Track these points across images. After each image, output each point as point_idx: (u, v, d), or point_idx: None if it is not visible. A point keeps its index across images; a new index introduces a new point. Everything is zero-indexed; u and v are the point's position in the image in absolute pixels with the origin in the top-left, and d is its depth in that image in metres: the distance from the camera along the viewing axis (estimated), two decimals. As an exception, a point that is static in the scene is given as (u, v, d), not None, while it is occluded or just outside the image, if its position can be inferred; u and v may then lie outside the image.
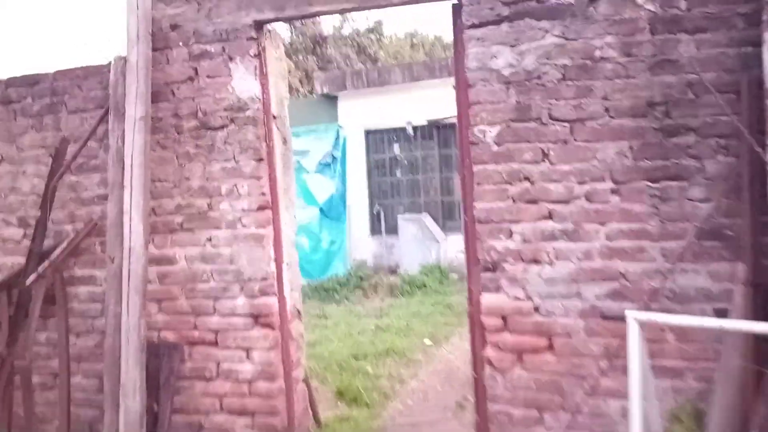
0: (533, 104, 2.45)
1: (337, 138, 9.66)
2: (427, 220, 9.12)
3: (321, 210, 9.40)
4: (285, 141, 3.14)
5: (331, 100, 10.01)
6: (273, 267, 2.95)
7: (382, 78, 9.41)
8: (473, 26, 2.51)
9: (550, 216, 2.47)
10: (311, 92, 12.71)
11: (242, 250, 2.94)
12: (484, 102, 2.50)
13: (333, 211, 9.41)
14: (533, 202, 2.48)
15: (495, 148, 2.50)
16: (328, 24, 15.81)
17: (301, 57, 14.85)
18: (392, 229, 9.52)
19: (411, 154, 9.85)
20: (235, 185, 2.94)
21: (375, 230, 9.88)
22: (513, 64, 2.45)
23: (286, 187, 3.10)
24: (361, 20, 16.63)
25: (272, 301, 2.94)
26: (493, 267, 2.54)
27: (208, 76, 2.97)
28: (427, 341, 5.91)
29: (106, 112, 3.05)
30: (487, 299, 2.57)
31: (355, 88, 9.60)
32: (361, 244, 9.85)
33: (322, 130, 9.65)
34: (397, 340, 5.77)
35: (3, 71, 3.39)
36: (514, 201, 2.50)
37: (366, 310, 7.21)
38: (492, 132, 2.49)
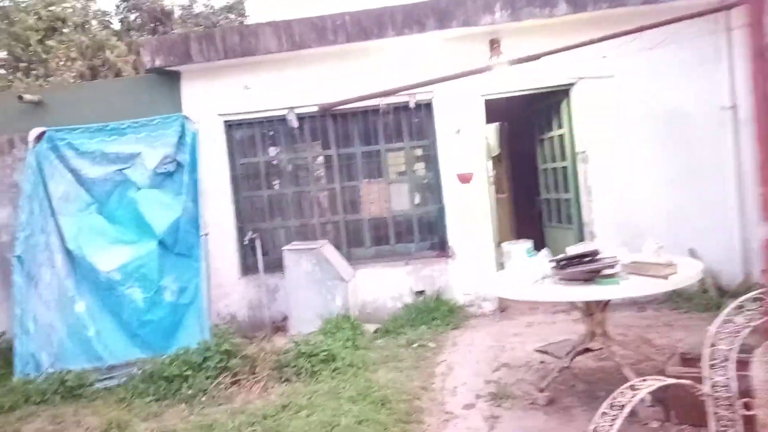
0: None
1: (183, 135, 6.38)
2: (327, 249, 6.19)
3: (161, 243, 6.08)
4: None
5: (171, 78, 6.71)
6: None
7: (246, 44, 6.33)
8: None
9: None
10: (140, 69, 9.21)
11: None
12: None
13: (180, 243, 6.13)
14: None
15: None
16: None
17: (136, 37, 11.20)
18: (275, 265, 6.44)
19: (297, 156, 6.85)
20: None
21: (249, 268, 6.72)
22: None
23: None
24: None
25: None
26: None
27: None
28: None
29: None
30: None
31: (206, 60, 6.41)
32: (228, 290, 6.64)
33: (158, 125, 6.34)
34: None
35: None
36: None
37: (236, 421, 4.08)
38: None
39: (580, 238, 6.41)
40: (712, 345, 2.28)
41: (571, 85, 6.27)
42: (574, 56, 5.65)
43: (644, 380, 2.21)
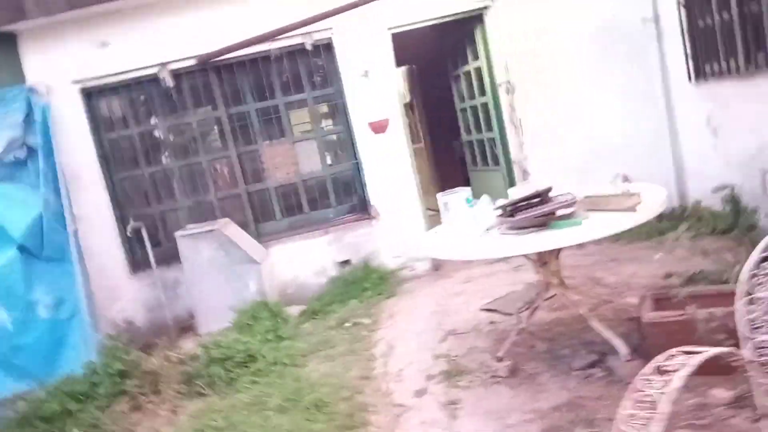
0: None
1: (30, 112, 5.18)
2: (229, 228, 5.25)
3: (22, 248, 4.91)
4: None
5: (6, 42, 5.35)
6: None
7: (94, -12, 5.10)
8: None
9: None
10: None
11: None
12: None
13: (48, 246, 5.02)
14: None
15: None
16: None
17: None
18: (171, 255, 5.42)
19: (179, 123, 5.76)
20: None
21: (139, 263, 5.64)
22: None
23: None
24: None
25: None
26: None
27: None
28: None
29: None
30: None
31: (45, 13, 5.11)
32: (119, 292, 5.57)
33: (-4, 102, 5.09)
34: None
35: None
36: None
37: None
38: None
39: (511, 179, 5.86)
40: (748, 294, 1.68)
41: (485, 7, 5.57)
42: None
43: (672, 356, 1.57)
